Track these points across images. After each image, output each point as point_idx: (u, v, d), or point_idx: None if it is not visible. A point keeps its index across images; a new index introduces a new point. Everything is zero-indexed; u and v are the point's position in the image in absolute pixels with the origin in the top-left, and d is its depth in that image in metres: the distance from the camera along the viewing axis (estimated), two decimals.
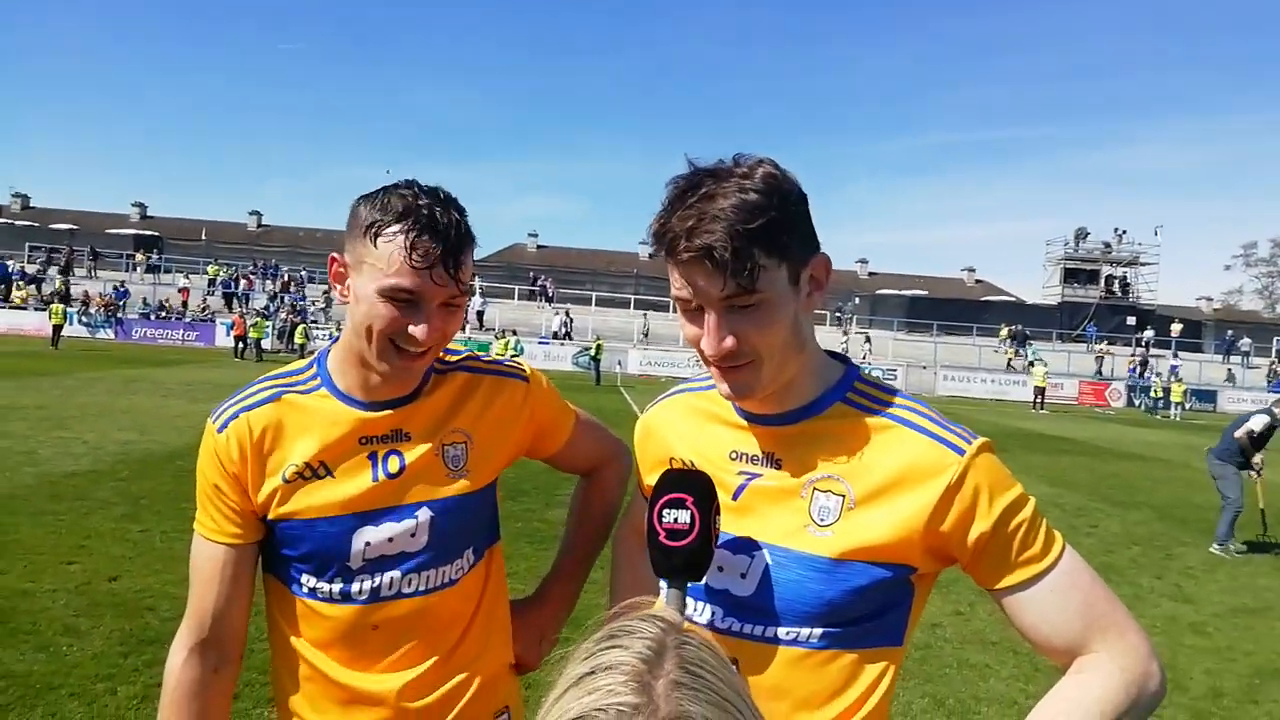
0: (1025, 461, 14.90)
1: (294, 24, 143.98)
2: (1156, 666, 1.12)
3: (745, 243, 1.06)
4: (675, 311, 1.20)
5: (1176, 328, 46.45)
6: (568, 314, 40.49)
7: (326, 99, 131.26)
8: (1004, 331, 44.60)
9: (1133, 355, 42.96)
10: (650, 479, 1.38)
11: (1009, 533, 1.13)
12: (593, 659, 0.68)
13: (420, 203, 1.31)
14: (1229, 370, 42.16)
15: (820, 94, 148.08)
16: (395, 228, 1.29)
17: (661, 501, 1.15)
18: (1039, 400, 31.96)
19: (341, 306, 1.42)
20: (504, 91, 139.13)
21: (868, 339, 41.27)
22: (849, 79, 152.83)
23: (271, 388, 1.45)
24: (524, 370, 1.61)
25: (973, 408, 30.65)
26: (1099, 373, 40.60)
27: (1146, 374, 39.05)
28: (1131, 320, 47.91)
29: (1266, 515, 9.51)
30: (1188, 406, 33.34)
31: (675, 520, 1.12)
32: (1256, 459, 9.16)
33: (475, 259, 1.42)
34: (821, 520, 1.17)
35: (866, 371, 1.29)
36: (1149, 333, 45.46)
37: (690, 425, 1.35)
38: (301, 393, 1.45)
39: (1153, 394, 34.89)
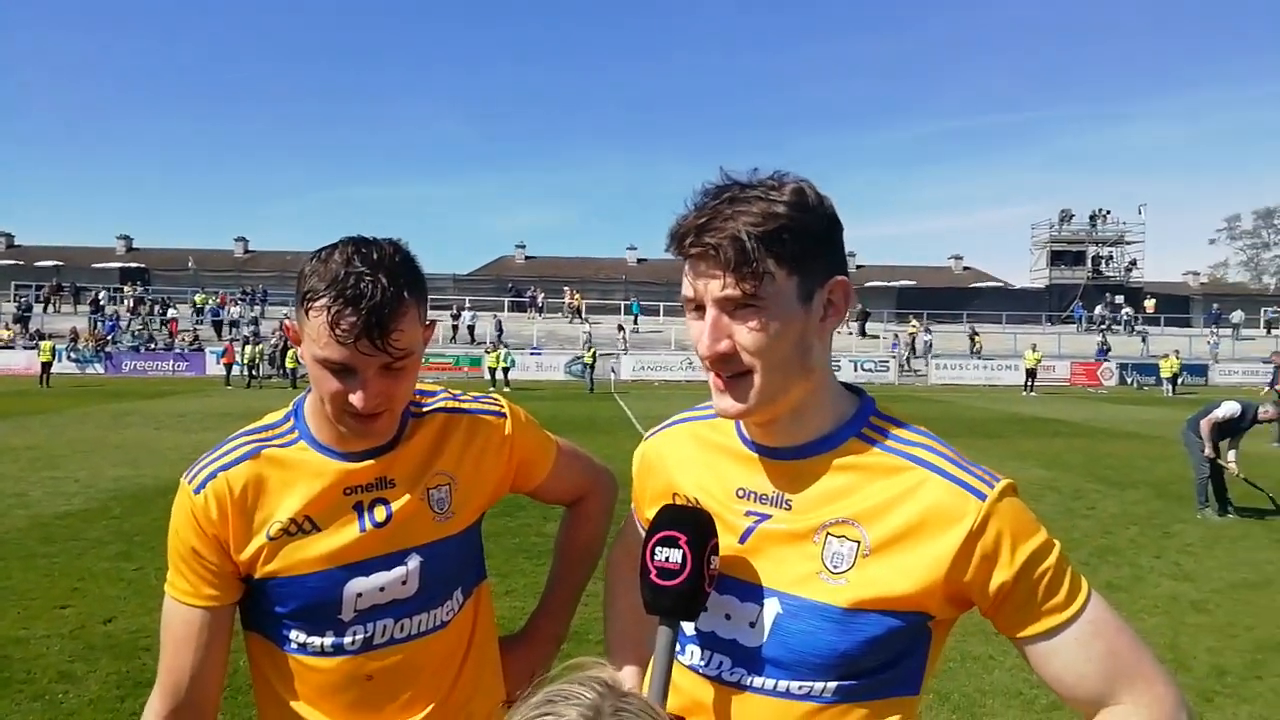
0: (1019, 446, 14.96)
1: (273, 46, 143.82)
2: (1185, 717, 1.08)
3: (753, 244, 1.04)
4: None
5: (1150, 304, 46.73)
6: (584, 316, 40.04)
7: (309, 120, 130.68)
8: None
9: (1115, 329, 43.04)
10: (650, 511, 1.34)
11: (1032, 581, 1.08)
12: None
13: (350, 269, 1.26)
14: (1214, 342, 42.08)
15: (803, 94, 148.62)
16: (322, 301, 1.25)
17: (655, 538, 1.12)
18: (1029, 383, 32.06)
19: None
20: (490, 104, 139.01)
21: (863, 332, 41.35)
22: (831, 77, 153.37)
23: (249, 443, 1.41)
24: (501, 406, 1.59)
25: (967, 394, 30.75)
26: (1104, 352, 40.42)
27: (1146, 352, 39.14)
28: (1119, 299, 48.09)
29: (1267, 489, 9.49)
30: (1180, 382, 33.40)
31: (667, 559, 1.10)
32: (1227, 456, 9.07)
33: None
34: (835, 568, 1.11)
35: (883, 404, 1.22)
36: (1127, 310, 45.66)
37: (695, 457, 1.28)
38: (280, 446, 1.41)
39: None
